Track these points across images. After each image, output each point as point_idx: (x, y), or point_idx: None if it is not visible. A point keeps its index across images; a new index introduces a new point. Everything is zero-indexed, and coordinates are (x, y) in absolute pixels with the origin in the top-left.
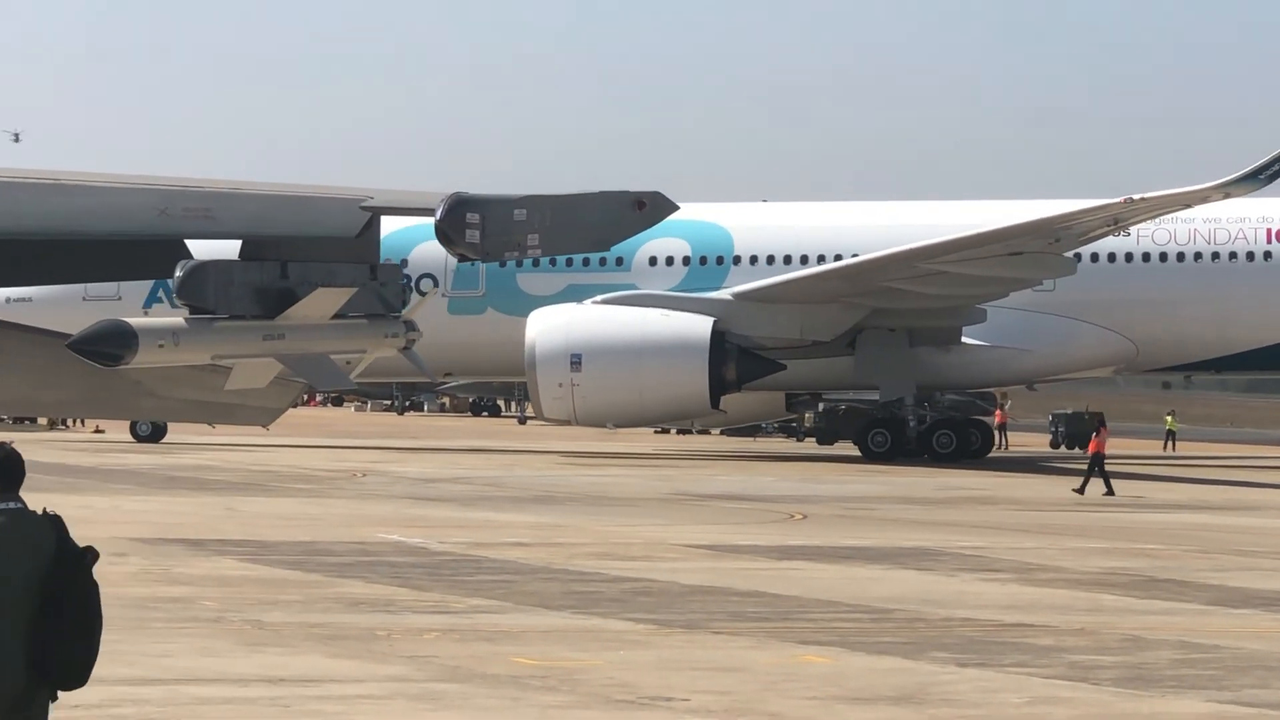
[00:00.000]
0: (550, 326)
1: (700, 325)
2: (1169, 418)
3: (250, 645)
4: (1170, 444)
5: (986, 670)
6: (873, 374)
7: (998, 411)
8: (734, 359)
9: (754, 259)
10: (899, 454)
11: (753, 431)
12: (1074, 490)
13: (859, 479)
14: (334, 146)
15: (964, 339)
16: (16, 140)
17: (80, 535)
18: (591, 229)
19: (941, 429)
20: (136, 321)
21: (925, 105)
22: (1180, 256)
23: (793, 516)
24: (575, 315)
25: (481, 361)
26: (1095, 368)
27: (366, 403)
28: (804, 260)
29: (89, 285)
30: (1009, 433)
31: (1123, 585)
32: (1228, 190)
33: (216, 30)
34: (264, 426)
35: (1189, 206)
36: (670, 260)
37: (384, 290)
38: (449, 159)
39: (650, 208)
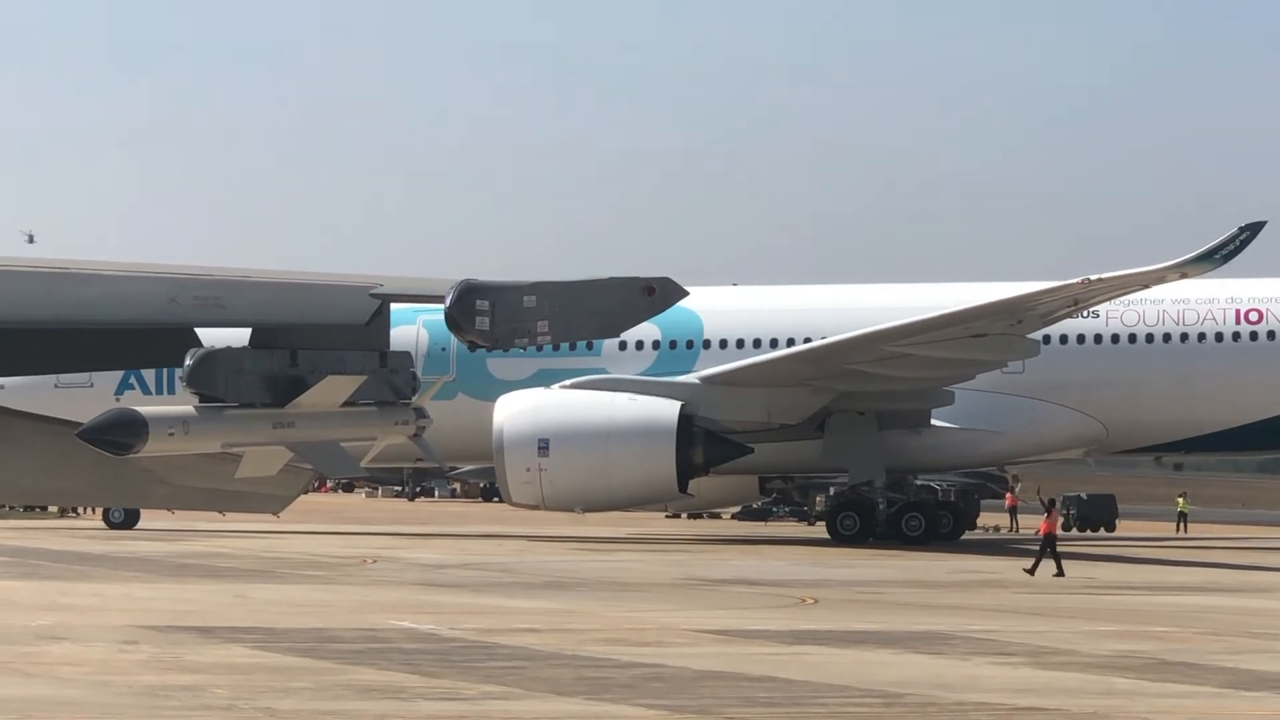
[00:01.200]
0: (518, 411)
1: (667, 409)
2: (1181, 500)
3: None
4: (1182, 526)
5: None
6: (841, 457)
7: (1008, 495)
8: (701, 442)
9: (724, 343)
10: (868, 537)
11: (764, 515)
12: (1025, 570)
13: (870, 563)
14: (338, 233)
15: (934, 421)
16: (31, 241)
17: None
18: (601, 315)
19: (911, 512)
20: (147, 410)
21: (896, 190)
22: (1149, 338)
23: (804, 601)
24: (542, 400)
25: (453, 446)
26: (1066, 449)
27: (377, 489)
28: (774, 344)
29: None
30: (1019, 515)
31: (1135, 668)
32: (1184, 270)
33: (220, 116)
34: (274, 514)
35: (1146, 287)
36: (640, 344)
37: (394, 377)
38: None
39: (660, 293)
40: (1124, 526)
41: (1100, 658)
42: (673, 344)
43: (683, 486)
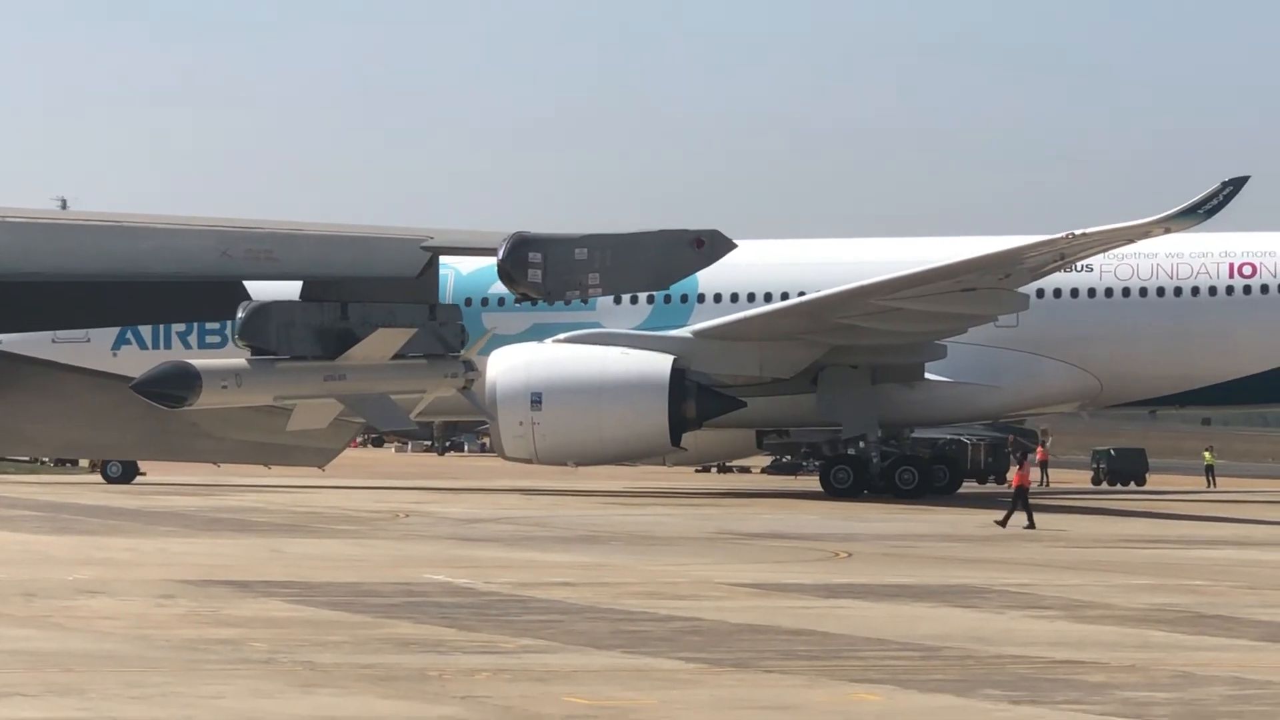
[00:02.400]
0: (511, 366)
1: (660, 363)
2: (1208, 453)
3: (303, 686)
4: (1211, 479)
5: (1039, 707)
6: (835, 411)
7: (1039, 449)
8: (694, 397)
9: (718, 297)
10: (862, 490)
11: (794, 470)
12: (996, 522)
13: (901, 517)
14: (389, 186)
15: (928, 375)
16: (64, 207)
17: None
18: (650, 268)
19: (905, 465)
20: (200, 363)
21: (888, 145)
22: (1143, 292)
23: (837, 555)
24: (535, 354)
25: (449, 401)
26: (1060, 403)
27: (407, 444)
28: (768, 298)
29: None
30: (1050, 469)
31: (1171, 621)
32: (1168, 225)
33: (267, 71)
34: (320, 467)
35: (1132, 241)
36: (634, 299)
37: (443, 330)
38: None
39: (709, 246)
40: (1154, 480)
41: (1136, 611)
42: (667, 298)
43: (675, 440)
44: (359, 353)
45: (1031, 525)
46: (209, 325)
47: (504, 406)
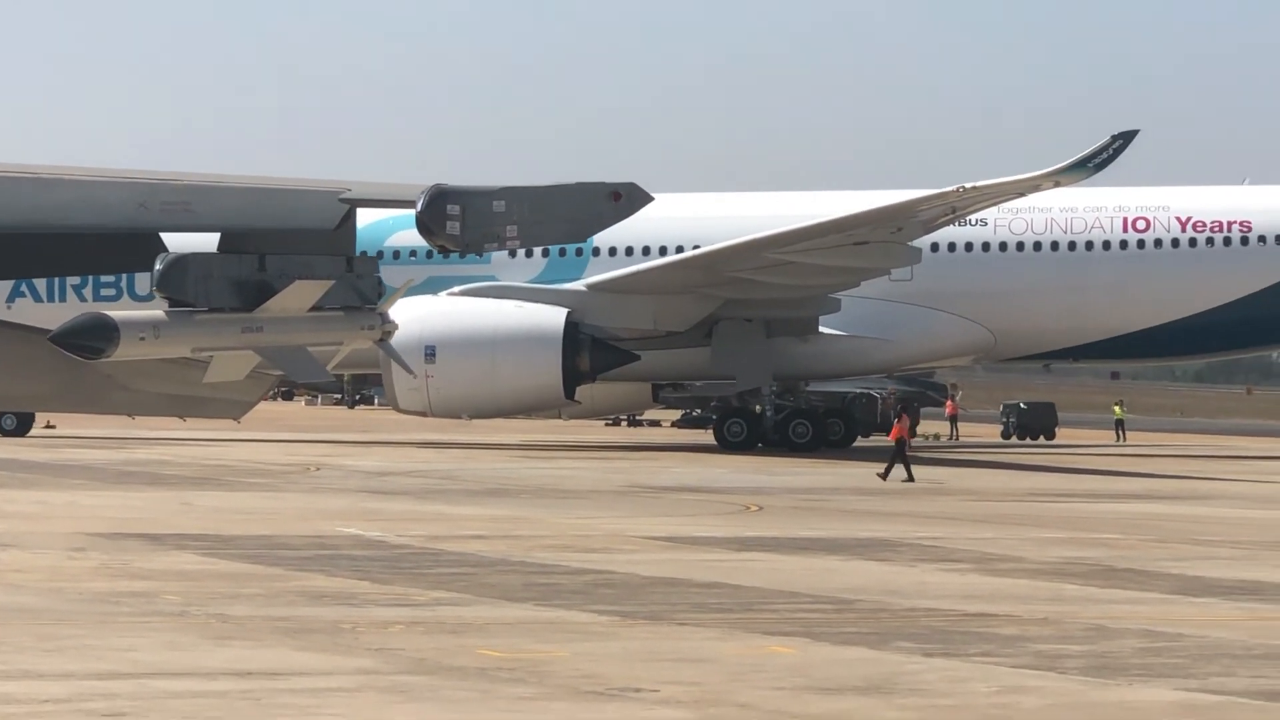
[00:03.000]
0: (405, 319)
1: (554, 316)
2: (1118, 407)
3: (216, 639)
4: (1120, 433)
5: (953, 660)
6: (729, 364)
7: (949, 402)
8: (588, 350)
9: (613, 250)
10: (756, 443)
11: (703, 423)
12: (878, 475)
13: (812, 471)
14: (308, 140)
15: (823, 329)
16: None
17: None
18: (568, 220)
19: (798, 419)
20: (118, 315)
21: (783, 100)
22: (1037, 246)
23: (748, 508)
24: (430, 308)
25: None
26: (954, 357)
27: (317, 397)
28: (663, 251)
29: None
30: (960, 423)
31: (1083, 575)
32: (1057, 179)
33: (187, 26)
34: (235, 420)
35: (1022, 195)
36: (529, 252)
37: (360, 283)
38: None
39: (626, 199)
40: (1063, 435)
41: (1048, 564)
42: (562, 251)
43: (569, 393)
44: (277, 305)
45: (910, 479)
46: (104, 279)
47: (396, 360)
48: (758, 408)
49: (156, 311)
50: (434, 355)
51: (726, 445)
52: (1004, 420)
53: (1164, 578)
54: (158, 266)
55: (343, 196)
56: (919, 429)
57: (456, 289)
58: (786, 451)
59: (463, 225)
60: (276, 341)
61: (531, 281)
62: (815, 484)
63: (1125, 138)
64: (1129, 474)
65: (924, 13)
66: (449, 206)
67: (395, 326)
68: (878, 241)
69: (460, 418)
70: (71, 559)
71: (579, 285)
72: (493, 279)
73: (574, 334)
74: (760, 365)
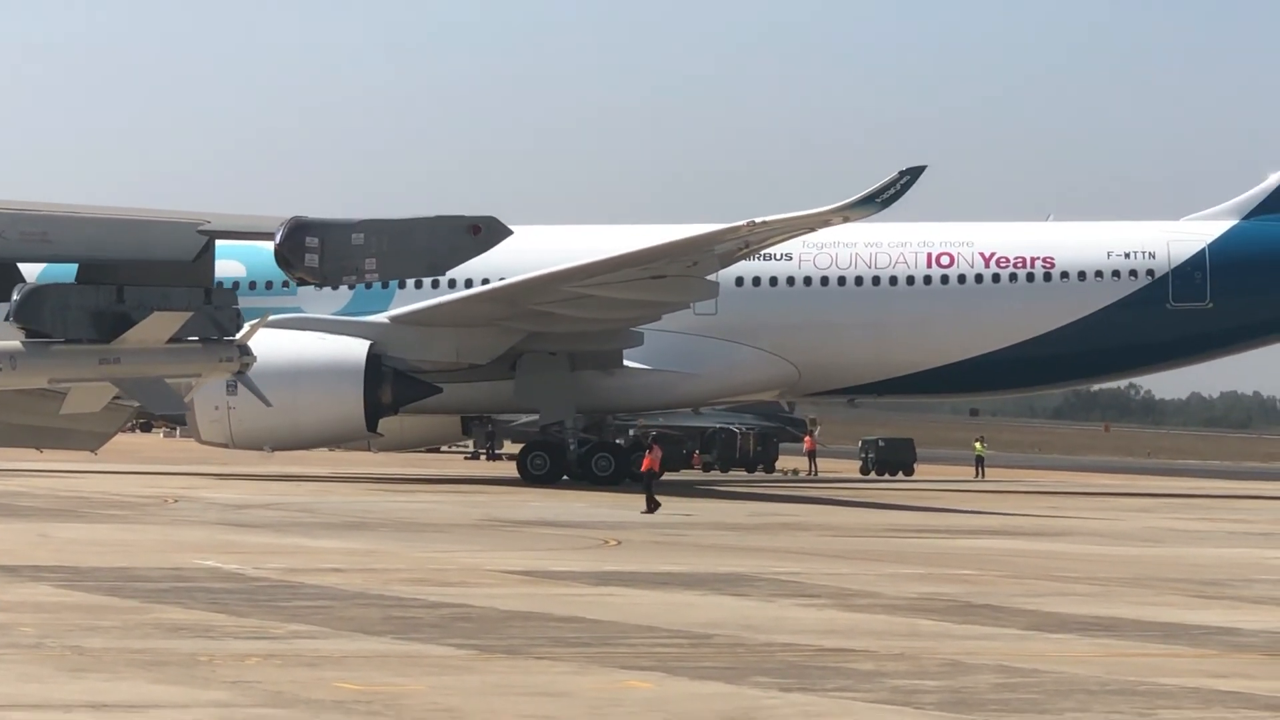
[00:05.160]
0: None
1: (356, 349)
2: (978, 444)
3: (72, 671)
4: (980, 470)
5: (810, 695)
6: (532, 397)
7: (807, 438)
8: (390, 382)
9: (419, 283)
10: (560, 476)
11: None
12: (643, 513)
13: (671, 505)
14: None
15: (627, 363)
16: None
17: None
18: (427, 253)
19: (601, 452)
20: None
21: (587, 131)
22: (841, 281)
23: (606, 542)
24: None
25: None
26: (759, 390)
27: (175, 429)
28: (468, 283)
29: None
30: (818, 458)
31: (939, 610)
32: (846, 214)
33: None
34: (93, 451)
35: (813, 229)
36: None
37: (218, 314)
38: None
39: (485, 232)
40: (922, 470)
41: (905, 600)
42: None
43: (371, 426)
44: (135, 336)
45: (650, 510)
46: None
47: (200, 391)
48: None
49: (13, 343)
50: (235, 387)
51: (529, 478)
52: (863, 456)
53: (1020, 614)
54: (14, 296)
55: (201, 228)
56: (777, 464)
57: (257, 321)
58: (589, 485)
59: (321, 258)
60: (134, 373)
61: (338, 313)
62: (674, 519)
63: (913, 173)
64: (986, 511)
65: (731, 45)
66: (308, 239)
67: (254, 358)
68: (674, 275)
69: (262, 449)
70: None
71: (382, 318)
72: (298, 310)
73: (376, 366)
74: (564, 398)
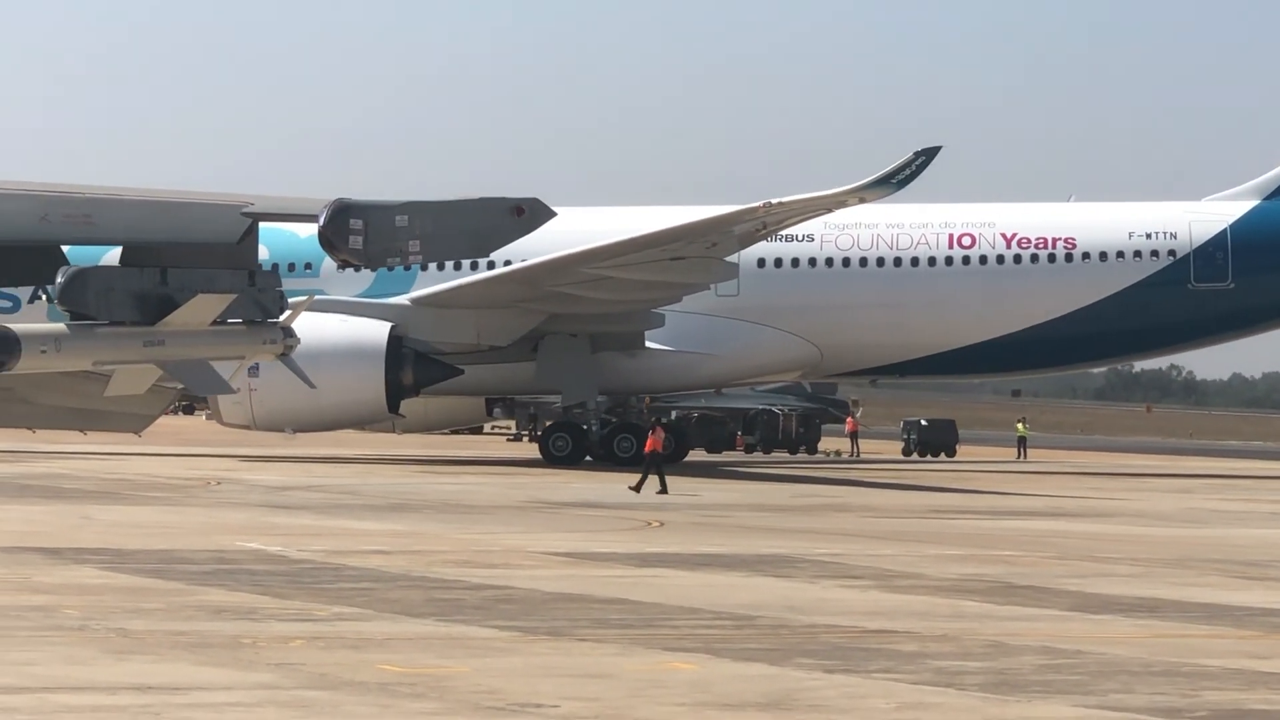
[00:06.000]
0: None
1: (377, 331)
2: (1020, 425)
3: (116, 653)
4: (1022, 451)
5: (853, 676)
6: (554, 379)
7: (849, 419)
8: (411, 364)
9: (441, 264)
10: (583, 458)
11: None
12: (630, 488)
13: (713, 487)
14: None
15: (649, 344)
16: None
17: None
18: (472, 235)
19: (623, 434)
20: (19, 328)
21: (614, 113)
22: (863, 262)
23: (649, 524)
24: None
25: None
26: (781, 372)
27: None
28: (491, 265)
29: None
30: (860, 440)
31: (982, 591)
32: (862, 195)
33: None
34: (136, 433)
35: (830, 210)
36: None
37: (262, 296)
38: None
39: (529, 214)
40: (964, 451)
41: (947, 581)
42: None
43: (393, 407)
44: (179, 318)
45: (664, 490)
46: (3, 291)
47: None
48: (586, 424)
49: (59, 325)
50: (257, 369)
51: (552, 459)
52: (905, 437)
53: (1063, 595)
54: (59, 279)
55: (245, 210)
56: (819, 445)
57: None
58: (612, 466)
59: (366, 239)
60: (178, 355)
61: (360, 295)
62: (717, 500)
63: (928, 154)
64: (1028, 493)
65: (750, 26)
66: (352, 221)
67: (298, 340)
68: (693, 257)
69: (284, 432)
70: None
71: (403, 299)
72: (321, 292)
73: (397, 348)
74: (586, 380)
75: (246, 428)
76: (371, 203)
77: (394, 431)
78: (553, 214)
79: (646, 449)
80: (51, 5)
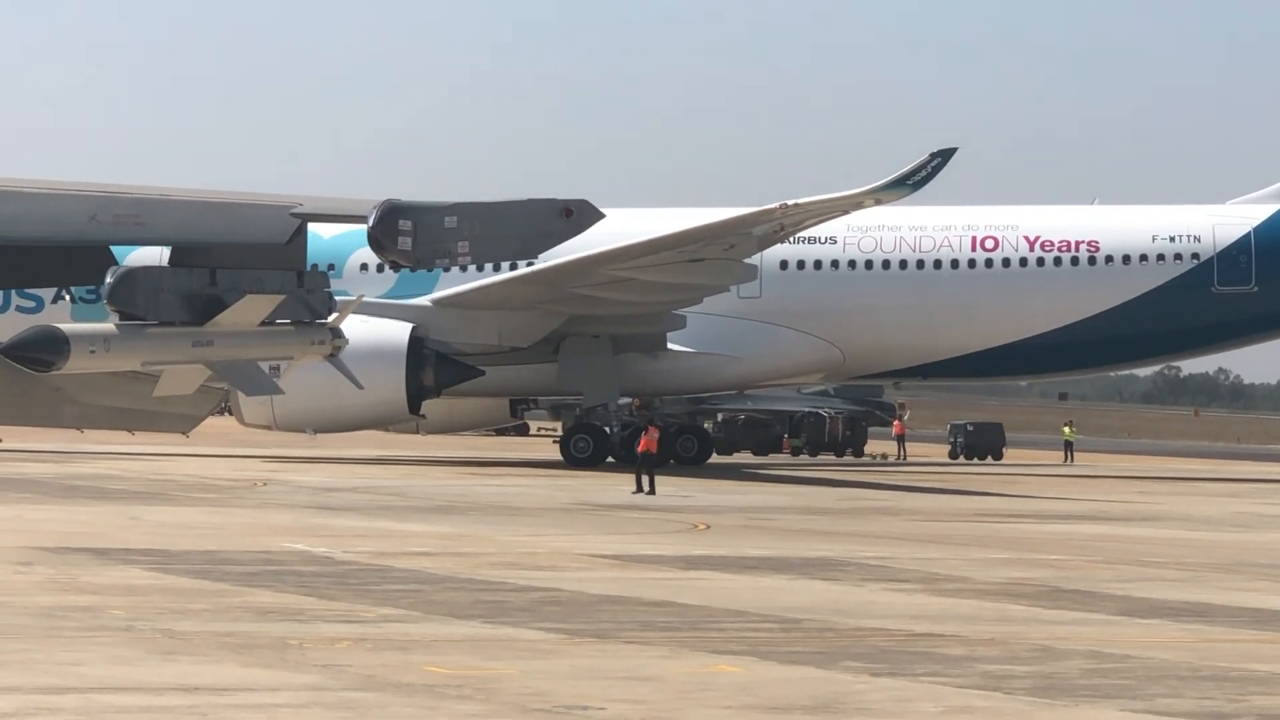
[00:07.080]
0: None
1: (398, 332)
2: (1067, 428)
3: (163, 654)
4: (1069, 455)
5: (900, 680)
6: (576, 380)
7: (896, 422)
8: (432, 365)
9: (464, 265)
10: (604, 459)
11: None
12: (632, 493)
13: (760, 489)
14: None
15: (671, 346)
16: None
17: None
18: (520, 236)
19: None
20: (69, 328)
21: (636, 116)
22: (886, 264)
23: (696, 526)
24: None
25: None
26: (804, 374)
27: None
28: (513, 266)
29: None
30: (907, 443)
31: (1029, 595)
32: (878, 196)
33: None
34: (184, 434)
35: (846, 212)
36: (381, 266)
37: (311, 297)
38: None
39: (577, 215)
40: (1011, 455)
41: (994, 585)
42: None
43: (414, 408)
44: (227, 319)
45: (651, 491)
46: (27, 291)
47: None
48: (608, 427)
49: (108, 325)
50: (279, 369)
51: (573, 461)
52: (951, 440)
53: (1110, 599)
54: (108, 279)
55: (294, 211)
56: (865, 448)
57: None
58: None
59: (414, 241)
60: (227, 356)
61: (383, 296)
62: (764, 503)
63: (944, 155)
64: (1075, 497)
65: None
66: (401, 222)
67: (346, 341)
68: (712, 258)
69: (305, 432)
70: (18, 573)
71: (424, 300)
72: (343, 293)
73: (419, 349)
74: (608, 381)
75: (268, 428)
76: (421, 204)
77: (417, 433)
78: (601, 215)
79: (640, 448)
80: (98, 6)
